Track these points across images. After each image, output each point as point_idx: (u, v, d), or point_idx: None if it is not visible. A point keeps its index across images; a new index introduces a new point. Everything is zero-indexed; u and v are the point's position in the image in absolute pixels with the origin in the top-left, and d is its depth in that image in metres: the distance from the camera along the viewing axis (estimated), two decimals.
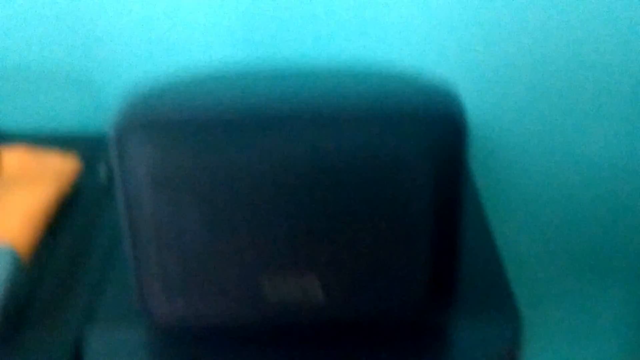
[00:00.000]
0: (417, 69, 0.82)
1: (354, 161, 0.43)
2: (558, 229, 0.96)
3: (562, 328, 1.04)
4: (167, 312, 0.48)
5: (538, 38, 0.80)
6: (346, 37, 0.79)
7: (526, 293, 1.01)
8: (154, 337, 0.50)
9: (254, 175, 0.43)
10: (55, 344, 0.50)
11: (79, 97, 0.82)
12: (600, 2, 0.78)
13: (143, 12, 0.77)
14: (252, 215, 0.44)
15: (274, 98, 0.44)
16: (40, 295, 0.55)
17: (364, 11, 0.78)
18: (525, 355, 1.03)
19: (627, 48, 0.81)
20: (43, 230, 0.62)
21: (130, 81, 0.81)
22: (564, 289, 1.01)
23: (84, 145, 0.77)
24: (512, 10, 0.78)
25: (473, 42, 0.80)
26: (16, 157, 0.68)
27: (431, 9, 0.77)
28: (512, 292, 0.53)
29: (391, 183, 0.44)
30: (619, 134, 0.87)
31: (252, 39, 0.79)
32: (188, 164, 0.43)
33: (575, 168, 0.90)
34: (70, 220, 0.64)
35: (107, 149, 0.74)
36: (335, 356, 0.48)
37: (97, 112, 0.83)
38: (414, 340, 0.49)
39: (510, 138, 0.88)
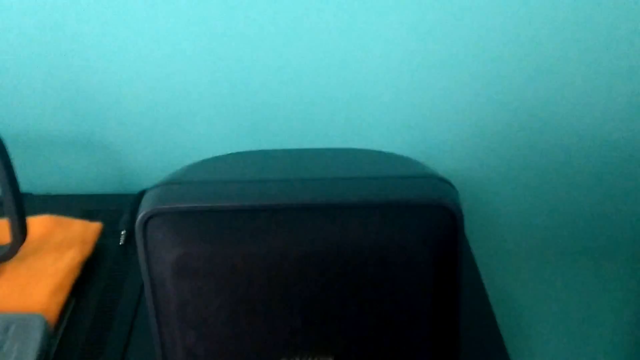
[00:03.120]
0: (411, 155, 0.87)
1: (359, 249, 0.47)
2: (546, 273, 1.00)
3: None
4: None
5: (527, 129, 0.84)
6: (341, 134, 0.85)
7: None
8: None
9: (269, 263, 0.47)
10: None
11: (95, 161, 0.87)
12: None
13: (153, 87, 0.82)
14: (269, 301, 0.48)
15: (286, 189, 0.48)
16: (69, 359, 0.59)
17: (357, 113, 0.84)
18: None
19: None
20: (69, 294, 0.66)
21: (141, 145, 0.86)
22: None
23: (104, 205, 0.82)
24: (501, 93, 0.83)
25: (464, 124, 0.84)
26: (42, 225, 0.73)
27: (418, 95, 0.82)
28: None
29: (393, 267, 0.48)
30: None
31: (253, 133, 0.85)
32: (208, 253, 0.47)
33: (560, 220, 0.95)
34: (93, 282, 0.69)
35: (125, 210, 0.79)
36: None
37: (113, 174, 0.88)
38: None
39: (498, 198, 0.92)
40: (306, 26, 0.78)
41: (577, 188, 0.92)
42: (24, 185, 0.88)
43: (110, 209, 0.81)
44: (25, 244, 0.69)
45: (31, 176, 0.88)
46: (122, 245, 0.75)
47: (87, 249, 0.71)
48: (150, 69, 0.81)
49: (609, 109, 0.85)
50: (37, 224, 0.73)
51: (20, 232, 0.65)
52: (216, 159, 0.56)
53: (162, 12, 0.77)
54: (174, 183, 0.50)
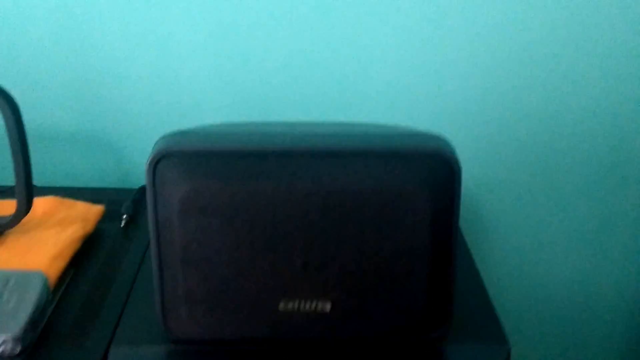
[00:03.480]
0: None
1: (360, 193, 0.49)
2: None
3: None
4: (188, 329, 0.52)
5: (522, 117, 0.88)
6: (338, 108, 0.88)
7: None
8: (173, 352, 0.54)
9: (273, 201, 0.49)
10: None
11: (99, 156, 0.90)
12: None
13: (155, 81, 0.85)
14: (271, 242, 0.50)
15: (291, 136, 0.51)
16: (66, 320, 0.59)
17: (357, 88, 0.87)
18: None
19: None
20: (68, 263, 0.67)
21: (144, 142, 0.88)
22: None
23: (106, 197, 0.83)
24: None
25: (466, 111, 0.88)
26: (46, 204, 0.75)
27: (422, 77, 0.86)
28: (501, 323, 0.58)
29: (393, 212, 0.49)
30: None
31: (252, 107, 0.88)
32: (215, 190, 0.49)
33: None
34: (93, 257, 0.69)
35: (126, 200, 0.80)
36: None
37: (117, 169, 0.90)
38: (410, 351, 0.54)
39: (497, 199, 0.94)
40: (309, 3, 0.81)
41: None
42: None
43: (111, 200, 0.82)
44: (28, 219, 0.71)
45: (35, 169, 0.90)
46: (122, 227, 0.76)
47: (88, 227, 0.72)
48: (152, 69, 0.84)
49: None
50: (41, 202, 0.74)
51: (25, 201, 0.66)
52: (223, 123, 0.59)
53: (164, 13, 0.81)
54: (184, 132, 0.53)
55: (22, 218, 0.67)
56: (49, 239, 0.68)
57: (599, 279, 1.01)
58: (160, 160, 0.50)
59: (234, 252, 0.50)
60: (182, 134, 0.52)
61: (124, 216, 0.77)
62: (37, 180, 0.90)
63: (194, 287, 0.51)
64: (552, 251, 0.98)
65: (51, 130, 0.88)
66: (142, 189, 0.84)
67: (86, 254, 0.70)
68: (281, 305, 0.51)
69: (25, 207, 0.66)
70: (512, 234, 0.97)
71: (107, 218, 0.77)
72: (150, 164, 0.50)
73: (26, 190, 0.66)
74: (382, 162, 0.49)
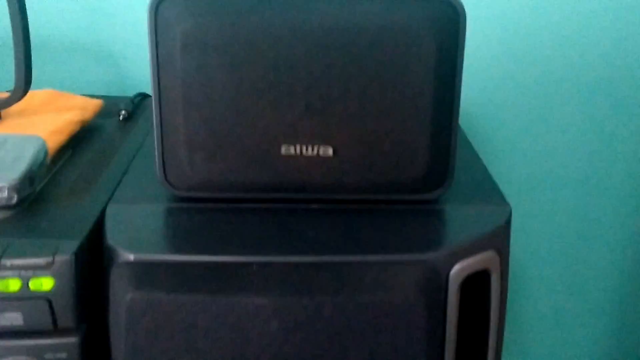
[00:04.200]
0: None
1: (365, 31, 0.48)
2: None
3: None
4: (188, 177, 0.52)
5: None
6: None
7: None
8: (172, 209, 0.54)
9: (277, 38, 0.48)
10: (78, 216, 0.53)
11: (102, 66, 0.89)
12: None
13: None
14: (274, 83, 0.49)
15: None
16: (64, 186, 0.59)
17: None
18: None
19: None
20: (66, 143, 0.66)
21: (144, 51, 0.88)
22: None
23: (106, 101, 0.83)
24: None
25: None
26: (45, 95, 0.74)
27: None
28: (500, 190, 0.57)
29: (398, 54, 0.49)
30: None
31: None
32: (218, 26, 0.48)
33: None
34: (90, 144, 0.69)
35: (125, 103, 0.79)
36: (339, 212, 0.52)
37: (116, 79, 0.90)
38: (412, 210, 0.53)
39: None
40: None
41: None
42: None
43: (111, 103, 0.82)
44: (26, 106, 0.70)
45: (35, 77, 0.89)
46: (121, 121, 0.75)
47: (87, 114, 0.72)
48: None
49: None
50: (39, 94, 0.74)
51: (24, 76, 0.65)
52: None
53: None
54: None
55: (21, 95, 0.66)
56: (47, 120, 0.67)
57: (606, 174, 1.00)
58: (162, 2, 0.50)
59: (235, 93, 0.49)
60: None
61: (122, 111, 0.76)
62: (37, 87, 0.90)
63: (195, 131, 0.50)
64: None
65: (53, 39, 0.88)
66: (142, 94, 0.83)
67: (84, 141, 0.70)
68: (283, 150, 0.50)
69: (24, 83, 0.66)
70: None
71: (106, 115, 0.77)
72: (151, 6, 0.50)
73: (25, 64, 0.65)
74: (387, 1, 0.49)
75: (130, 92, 0.90)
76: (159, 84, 0.50)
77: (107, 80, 0.90)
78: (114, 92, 0.90)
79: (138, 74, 0.89)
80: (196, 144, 0.51)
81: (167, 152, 0.52)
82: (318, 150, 0.50)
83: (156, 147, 0.52)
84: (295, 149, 0.50)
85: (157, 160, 0.53)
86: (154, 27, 0.50)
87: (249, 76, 0.49)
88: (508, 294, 0.54)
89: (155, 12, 0.50)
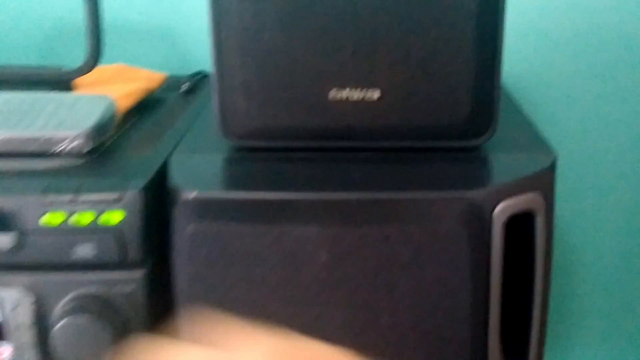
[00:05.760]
0: None
1: None
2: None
3: None
4: (244, 124, 0.56)
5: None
6: None
7: None
8: (231, 158, 0.58)
9: None
10: (144, 163, 0.58)
11: (163, 46, 0.95)
12: None
13: None
14: (322, 26, 0.52)
15: None
16: (132, 140, 0.64)
17: None
18: None
19: None
20: (133, 108, 0.71)
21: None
22: None
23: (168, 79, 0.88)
24: None
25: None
26: (114, 68, 0.80)
27: None
28: (545, 139, 0.59)
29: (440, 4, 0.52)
30: None
31: None
32: None
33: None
34: (155, 110, 0.74)
35: (186, 79, 0.85)
36: (386, 159, 0.54)
37: (178, 61, 0.95)
38: (457, 157, 0.55)
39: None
40: None
41: None
42: None
43: (173, 80, 0.87)
44: (97, 79, 0.76)
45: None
46: (182, 92, 0.80)
47: (152, 84, 0.77)
48: None
49: None
50: (109, 67, 0.79)
51: (95, 47, 0.71)
52: None
53: None
54: None
55: (93, 65, 0.71)
56: (116, 89, 0.73)
57: None
58: None
59: (287, 39, 0.53)
60: None
61: (185, 84, 0.81)
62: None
63: (251, 77, 0.54)
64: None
65: (118, 23, 0.94)
66: (201, 72, 0.88)
67: (148, 108, 0.75)
68: (332, 94, 0.53)
69: (95, 53, 0.71)
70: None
71: (168, 89, 0.82)
72: None
73: (95, 35, 0.70)
74: None
75: (190, 72, 0.95)
76: (218, 30, 0.54)
77: (169, 60, 0.95)
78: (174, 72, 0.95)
79: (197, 54, 0.94)
80: (251, 90, 0.54)
81: (224, 100, 0.56)
82: (365, 94, 0.53)
83: (215, 95, 0.56)
84: (343, 93, 0.53)
85: (215, 108, 0.57)
86: None
87: (300, 22, 0.53)
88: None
89: None
